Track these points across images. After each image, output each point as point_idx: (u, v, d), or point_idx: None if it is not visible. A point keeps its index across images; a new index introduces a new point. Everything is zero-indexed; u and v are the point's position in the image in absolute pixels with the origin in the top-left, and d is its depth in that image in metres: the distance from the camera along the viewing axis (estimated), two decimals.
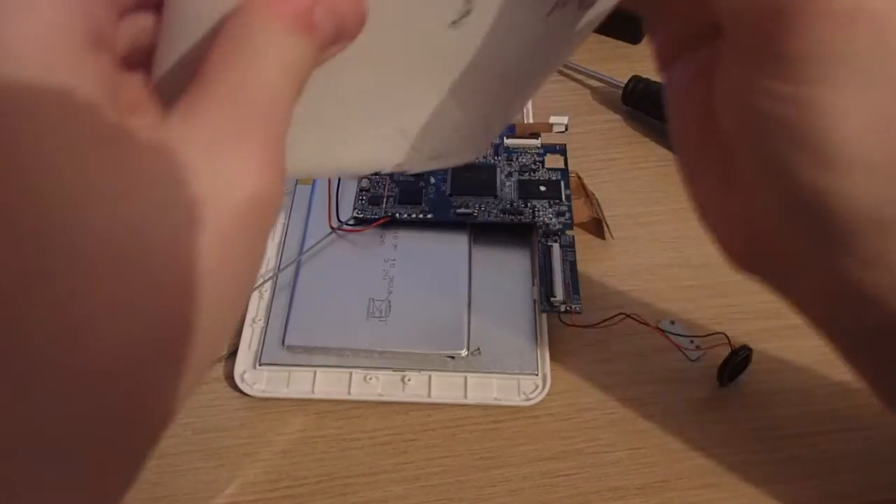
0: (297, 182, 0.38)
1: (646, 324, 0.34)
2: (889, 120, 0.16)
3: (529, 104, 0.43)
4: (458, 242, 0.35)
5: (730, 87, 0.18)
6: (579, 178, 0.38)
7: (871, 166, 0.16)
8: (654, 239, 0.37)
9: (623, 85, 0.43)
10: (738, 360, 0.32)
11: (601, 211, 0.37)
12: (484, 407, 0.31)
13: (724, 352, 0.32)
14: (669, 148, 0.41)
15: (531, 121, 0.42)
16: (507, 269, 0.34)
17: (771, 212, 0.19)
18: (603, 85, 0.44)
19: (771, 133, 0.17)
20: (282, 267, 0.34)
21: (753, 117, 0.17)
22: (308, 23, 0.15)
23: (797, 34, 0.15)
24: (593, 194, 0.37)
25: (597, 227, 0.37)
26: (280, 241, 0.35)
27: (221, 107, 0.14)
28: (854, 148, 0.16)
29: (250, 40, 0.15)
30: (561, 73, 0.46)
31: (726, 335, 0.32)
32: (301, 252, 0.34)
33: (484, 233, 0.36)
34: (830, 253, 0.19)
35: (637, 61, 0.46)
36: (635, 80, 0.43)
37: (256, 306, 0.33)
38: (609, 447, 0.30)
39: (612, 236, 0.37)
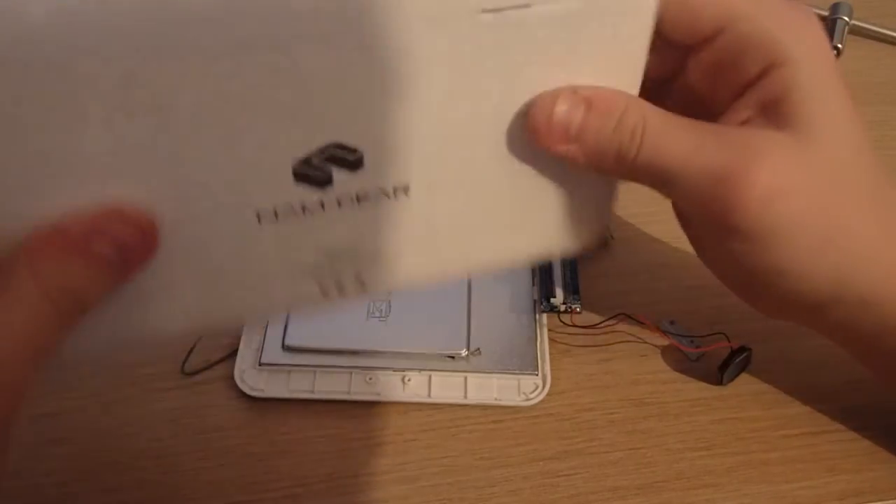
0: None
1: (646, 324, 0.34)
2: (816, 252, 0.24)
3: None
4: None
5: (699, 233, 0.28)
6: None
7: (806, 278, 0.25)
8: (654, 239, 0.37)
9: None
10: (738, 360, 0.32)
11: None
12: (484, 407, 0.31)
13: (725, 352, 0.32)
14: None
15: None
16: (507, 270, 0.34)
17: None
18: None
19: (735, 264, 0.26)
20: None
21: (722, 252, 0.26)
22: (80, 248, 0.19)
23: (737, 219, 0.23)
24: None
25: None
26: None
27: None
28: (796, 268, 0.25)
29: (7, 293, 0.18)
30: None
31: (726, 335, 0.32)
32: None
33: None
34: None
35: None
36: None
37: None
38: (609, 447, 0.30)
39: (612, 237, 0.37)
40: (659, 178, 0.24)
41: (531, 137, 0.23)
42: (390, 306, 0.33)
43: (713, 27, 0.24)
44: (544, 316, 0.33)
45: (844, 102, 0.24)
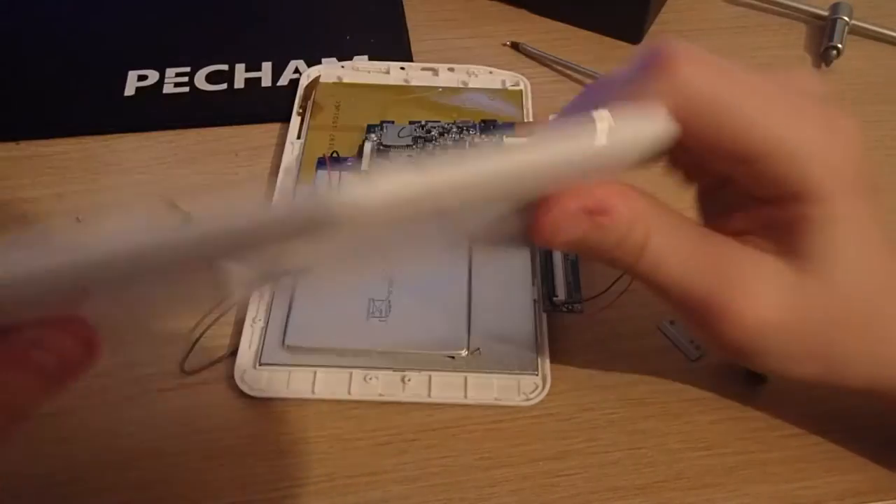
0: (296, 182, 0.38)
1: (646, 324, 0.34)
2: (818, 375, 0.25)
3: (530, 104, 0.42)
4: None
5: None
6: None
7: (791, 364, 0.25)
8: None
9: None
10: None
11: None
12: (484, 407, 0.31)
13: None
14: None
15: (531, 119, 0.42)
16: (507, 269, 0.34)
17: None
18: None
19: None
20: None
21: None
22: (20, 358, 0.18)
23: (724, 343, 0.24)
24: None
25: None
26: None
27: None
28: (796, 378, 0.25)
29: None
30: (560, 73, 0.46)
31: None
32: None
33: None
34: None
35: None
36: None
37: (256, 306, 0.33)
38: (609, 447, 0.30)
39: None
40: (652, 289, 0.24)
41: (530, 234, 0.22)
42: (390, 306, 0.33)
43: (744, 157, 0.22)
44: (544, 315, 0.33)
45: (870, 239, 0.23)
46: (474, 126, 0.39)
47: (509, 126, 0.39)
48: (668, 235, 0.23)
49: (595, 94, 0.23)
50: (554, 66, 0.46)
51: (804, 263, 0.23)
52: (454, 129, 0.39)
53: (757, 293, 0.23)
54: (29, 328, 0.19)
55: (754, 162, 0.22)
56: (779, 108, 0.22)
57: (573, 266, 0.33)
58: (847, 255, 0.23)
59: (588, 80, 0.45)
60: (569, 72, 0.45)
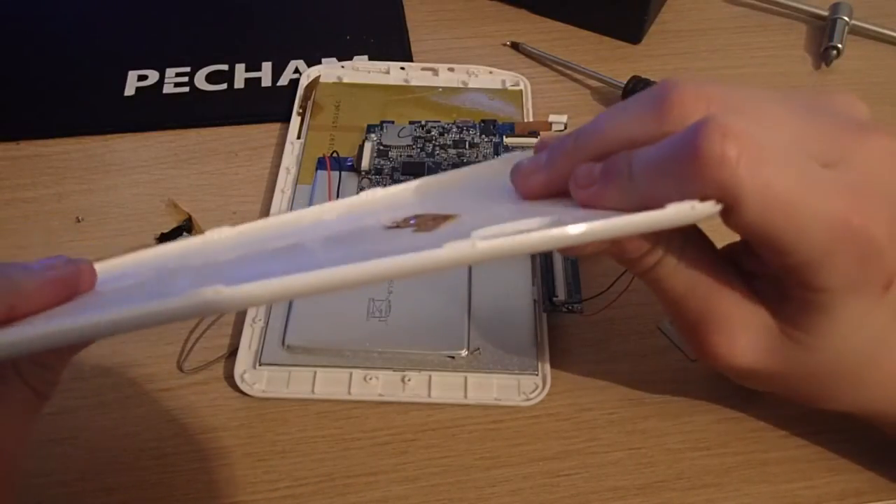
0: (296, 182, 0.38)
1: (646, 324, 0.34)
2: (776, 390, 0.28)
3: (530, 104, 0.43)
4: None
5: None
6: None
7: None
8: None
9: (623, 85, 0.43)
10: None
11: None
12: (484, 407, 0.31)
13: None
14: None
15: (531, 119, 0.42)
16: (507, 269, 0.34)
17: None
18: (603, 85, 0.44)
19: None
20: None
21: None
22: None
23: (709, 362, 0.25)
24: None
25: None
26: None
27: None
28: (764, 390, 0.28)
29: None
30: (560, 73, 0.46)
31: None
32: None
33: None
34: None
35: (637, 61, 0.46)
36: (635, 80, 0.42)
37: (257, 306, 0.33)
38: (609, 447, 0.30)
39: None
40: (653, 291, 0.26)
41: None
42: (390, 306, 0.33)
43: (777, 251, 0.22)
44: (544, 316, 0.33)
45: (864, 319, 0.23)
46: (474, 126, 0.39)
47: (509, 126, 0.39)
48: (682, 257, 0.24)
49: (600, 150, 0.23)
50: (554, 66, 0.46)
51: (795, 332, 0.24)
52: (454, 129, 0.39)
53: (741, 342, 0.24)
54: (45, 302, 0.22)
55: (783, 256, 0.22)
56: (824, 208, 0.21)
57: (573, 266, 0.33)
58: (839, 333, 0.23)
59: (588, 81, 0.45)
60: (569, 72, 0.46)
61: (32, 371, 0.23)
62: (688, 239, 0.24)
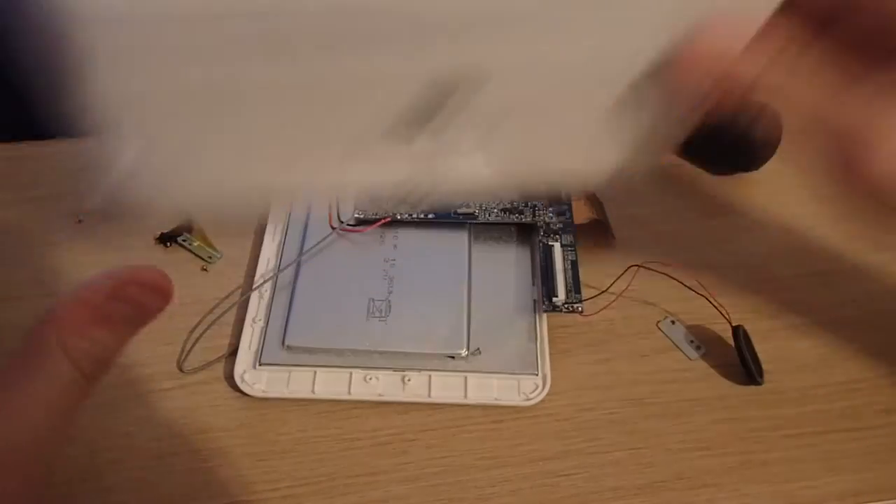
0: None
1: (646, 324, 0.34)
2: None
3: None
4: (457, 242, 0.35)
5: None
6: None
7: None
8: (655, 239, 0.37)
9: None
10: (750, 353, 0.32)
11: (604, 212, 0.37)
12: (484, 407, 0.31)
13: (724, 352, 0.32)
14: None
15: None
16: (507, 269, 0.34)
17: None
18: None
19: None
20: (282, 267, 0.34)
21: None
22: (101, 315, 0.20)
23: (864, 175, 0.21)
24: (595, 195, 0.37)
25: (597, 227, 0.37)
26: (280, 241, 0.35)
27: None
28: None
29: (31, 370, 0.20)
30: None
31: (727, 335, 0.33)
32: (301, 252, 0.34)
33: (484, 232, 0.36)
34: None
35: None
36: None
37: (256, 306, 0.33)
38: (609, 447, 0.30)
39: (613, 237, 0.37)
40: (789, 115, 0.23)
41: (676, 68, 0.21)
42: (390, 306, 0.33)
43: None
44: (544, 316, 0.33)
45: None
46: None
47: None
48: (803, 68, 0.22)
49: None
50: None
51: None
52: None
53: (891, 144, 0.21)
54: (106, 286, 0.21)
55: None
56: None
57: (573, 266, 0.33)
58: None
59: None
60: None
61: (80, 346, 0.20)
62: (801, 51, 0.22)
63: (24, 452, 0.19)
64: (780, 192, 0.38)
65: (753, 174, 0.40)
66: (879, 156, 0.21)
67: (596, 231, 0.37)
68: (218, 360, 0.32)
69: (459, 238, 0.35)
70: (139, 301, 0.21)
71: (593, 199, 0.37)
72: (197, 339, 0.33)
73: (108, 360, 0.21)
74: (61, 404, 0.20)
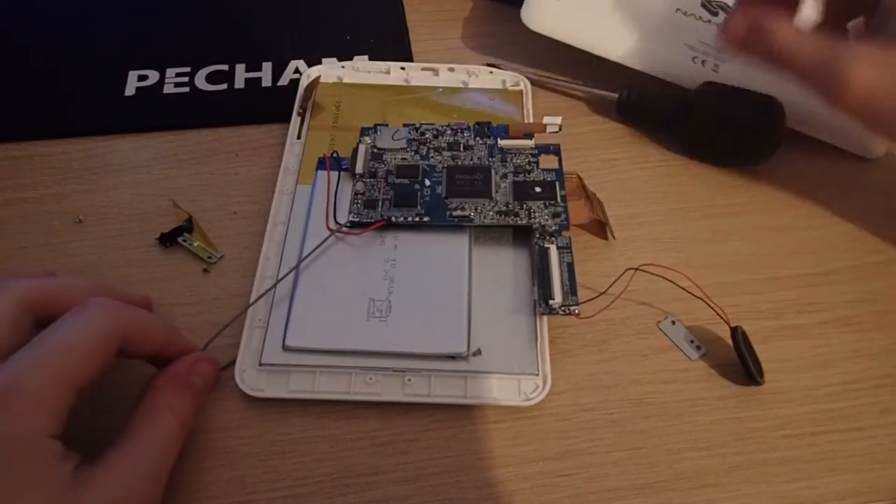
0: (296, 182, 0.38)
1: (646, 324, 0.34)
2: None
3: (530, 104, 0.42)
4: (458, 243, 0.35)
5: None
6: (580, 178, 0.38)
7: None
8: (654, 239, 0.37)
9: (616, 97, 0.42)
10: (749, 353, 0.32)
11: (604, 212, 0.37)
12: (484, 407, 0.31)
13: (725, 352, 0.32)
14: (669, 148, 0.41)
15: (531, 119, 0.42)
16: (507, 269, 0.34)
17: None
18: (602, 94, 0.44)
19: None
20: (282, 268, 0.34)
21: None
22: (187, 384, 0.29)
23: (843, 104, 0.31)
24: (595, 195, 0.37)
25: (598, 227, 0.37)
26: (281, 242, 0.35)
27: (121, 473, 0.25)
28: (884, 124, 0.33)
29: (149, 421, 0.27)
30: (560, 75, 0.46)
31: (727, 335, 0.33)
32: (301, 253, 0.34)
33: (484, 233, 0.36)
34: None
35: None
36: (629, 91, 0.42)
37: (256, 307, 0.33)
38: (609, 447, 0.30)
39: (614, 237, 0.37)
40: (790, 70, 0.33)
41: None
42: (390, 306, 0.33)
43: None
44: (545, 316, 0.33)
45: None
46: (468, 128, 0.39)
47: (504, 128, 0.39)
48: (796, 34, 0.33)
49: None
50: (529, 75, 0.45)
51: (890, 43, 0.31)
52: (448, 132, 0.39)
53: (860, 72, 0.31)
54: (186, 363, 0.29)
55: None
56: None
57: (569, 269, 0.33)
58: None
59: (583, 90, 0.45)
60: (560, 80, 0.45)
61: (178, 405, 0.28)
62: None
63: (147, 482, 0.26)
64: (780, 192, 0.38)
65: (754, 174, 0.40)
66: (844, 92, 0.31)
67: (596, 231, 0.37)
68: (224, 367, 0.32)
69: (460, 238, 0.35)
70: (205, 376, 0.29)
71: (594, 199, 0.37)
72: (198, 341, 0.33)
73: (192, 417, 0.28)
74: (167, 450, 0.27)
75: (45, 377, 0.24)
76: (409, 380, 0.31)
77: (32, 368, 0.24)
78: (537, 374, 0.31)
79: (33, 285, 0.28)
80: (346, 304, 0.33)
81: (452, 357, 0.32)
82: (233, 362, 0.32)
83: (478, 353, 0.32)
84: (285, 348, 0.32)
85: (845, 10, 0.36)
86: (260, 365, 0.31)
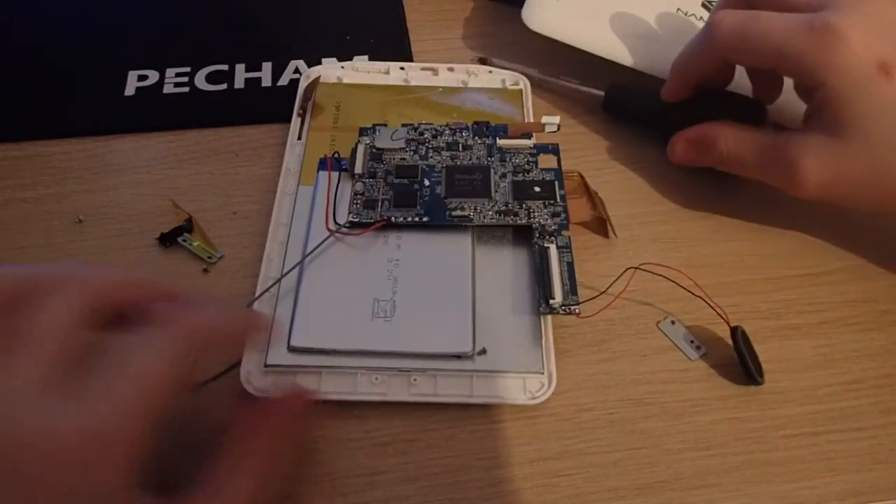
0: (298, 183, 0.38)
1: (646, 324, 0.34)
2: (854, 197, 0.34)
3: (530, 104, 0.42)
4: (461, 242, 0.35)
5: None
6: (581, 177, 0.38)
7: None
8: (654, 239, 0.37)
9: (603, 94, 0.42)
10: (749, 353, 0.32)
11: (605, 210, 0.37)
12: (484, 407, 0.31)
13: (725, 352, 0.33)
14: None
15: (531, 119, 0.42)
16: (511, 268, 0.34)
17: None
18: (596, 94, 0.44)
19: None
20: (285, 269, 0.34)
21: None
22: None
23: (803, 197, 0.34)
24: (596, 193, 0.37)
25: (599, 225, 0.37)
26: (283, 243, 0.35)
27: None
28: (848, 203, 0.35)
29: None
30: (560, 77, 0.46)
31: (727, 335, 0.33)
32: (304, 253, 0.34)
33: (487, 232, 0.36)
34: None
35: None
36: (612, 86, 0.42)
37: (261, 308, 0.33)
38: (609, 447, 0.30)
39: (615, 235, 0.37)
40: (741, 172, 0.37)
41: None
42: (395, 306, 0.32)
43: (767, 63, 0.34)
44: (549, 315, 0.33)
45: (878, 101, 0.31)
46: (467, 128, 0.39)
47: (502, 128, 0.39)
48: (739, 135, 0.36)
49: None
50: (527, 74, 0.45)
51: (838, 132, 0.32)
52: (447, 132, 0.39)
53: (809, 166, 0.32)
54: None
55: (779, 63, 0.33)
56: (776, 30, 0.33)
57: (569, 268, 0.33)
58: (870, 115, 0.31)
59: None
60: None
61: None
62: (737, 126, 0.36)
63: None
64: (780, 192, 0.38)
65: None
66: (799, 189, 0.33)
67: (598, 229, 0.37)
68: (226, 371, 0.32)
69: (463, 238, 0.35)
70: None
71: (595, 197, 0.37)
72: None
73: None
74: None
75: (137, 418, 0.22)
76: (415, 379, 0.31)
77: (122, 406, 0.21)
78: (542, 373, 0.31)
79: (99, 282, 0.24)
80: (350, 305, 0.32)
81: (458, 356, 0.31)
82: (238, 363, 0.32)
83: (483, 352, 0.32)
84: (290, 349, 0.32)
85: (775, 84, 0.38)
86: (265, 366, 0.31)
